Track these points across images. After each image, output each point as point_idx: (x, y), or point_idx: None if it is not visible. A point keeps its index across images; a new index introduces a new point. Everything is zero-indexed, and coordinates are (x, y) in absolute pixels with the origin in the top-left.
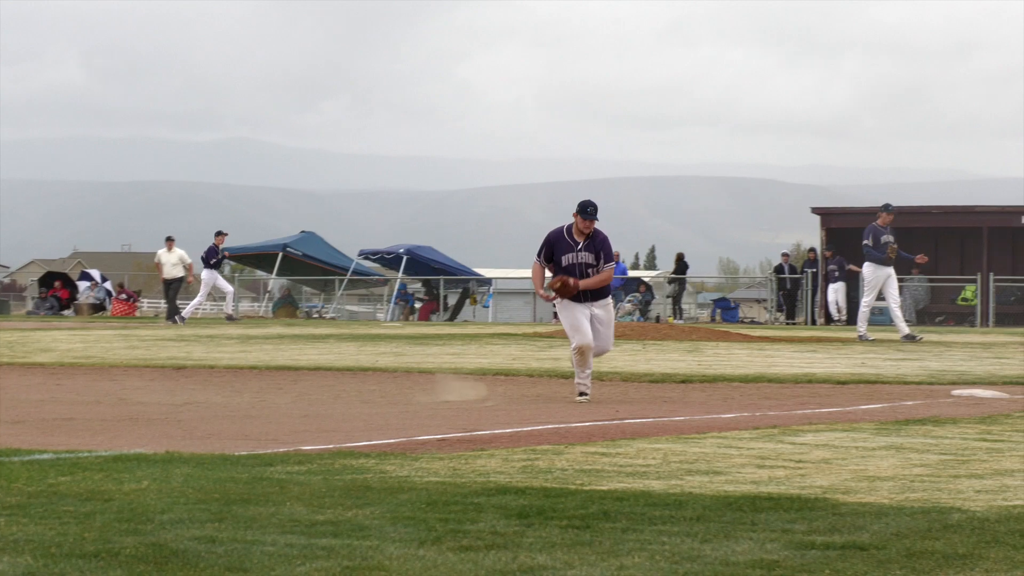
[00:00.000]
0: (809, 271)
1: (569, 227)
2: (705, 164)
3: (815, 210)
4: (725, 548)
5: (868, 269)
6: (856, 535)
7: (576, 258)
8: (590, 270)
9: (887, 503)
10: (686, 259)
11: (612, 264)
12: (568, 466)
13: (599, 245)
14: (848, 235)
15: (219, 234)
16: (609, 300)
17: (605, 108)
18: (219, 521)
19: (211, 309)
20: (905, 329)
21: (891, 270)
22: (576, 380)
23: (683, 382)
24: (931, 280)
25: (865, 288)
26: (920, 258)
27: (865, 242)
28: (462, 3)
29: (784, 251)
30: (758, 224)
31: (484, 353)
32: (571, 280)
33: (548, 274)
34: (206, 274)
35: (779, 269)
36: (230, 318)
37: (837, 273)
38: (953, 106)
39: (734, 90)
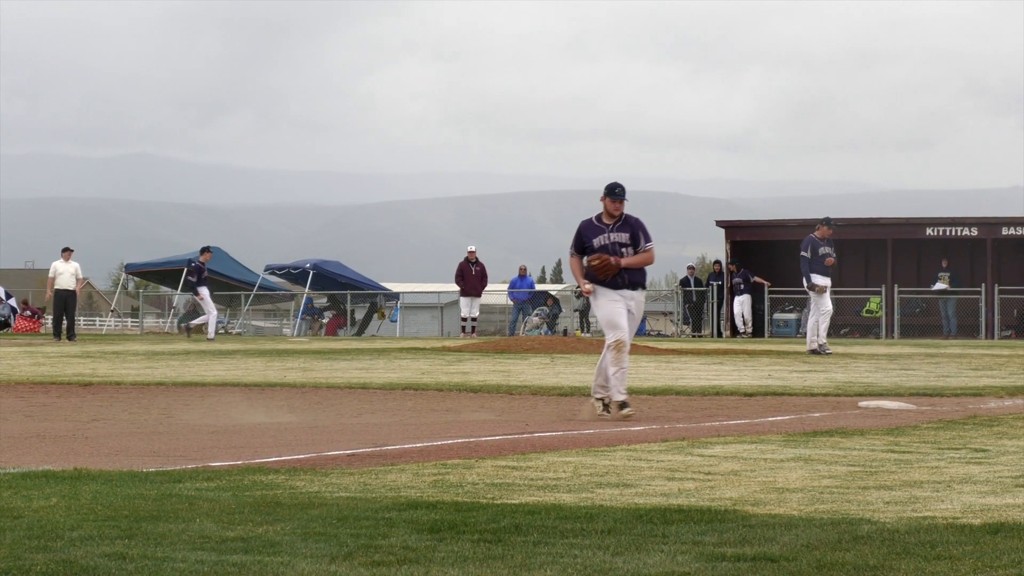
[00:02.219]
0: (715, 284)
1: (599, 214)
2: (608, 178)
3: (719, 223)
4: (636, 561)
5: (815, 280)
6: (766, 547)
7: (608, 239)
8: (625, 250)
9: (797, 514)
10: None
11: (652, 244)
12: (479, 480)
13: (634, 224)
14: (752, 248)
15: (205, 251)
16: (643, 293)
17: (509, 122)
18: (129, 538)
19: (115, 326)
20: (814, 344)
21: (829, 282)
22: (597, 385)
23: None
24: (836, 292)
25: (812, 303)
26: (827, 260)
27: (803, 254)
28: (362, 18)
29: (689, 264)
30: (663, 237)
31: (392, 368)
32: (612, 258)
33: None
34: (203, 292)
35: (685, 282)
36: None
37: (742, 286)
38: (854, 119)
39: (637, 104)
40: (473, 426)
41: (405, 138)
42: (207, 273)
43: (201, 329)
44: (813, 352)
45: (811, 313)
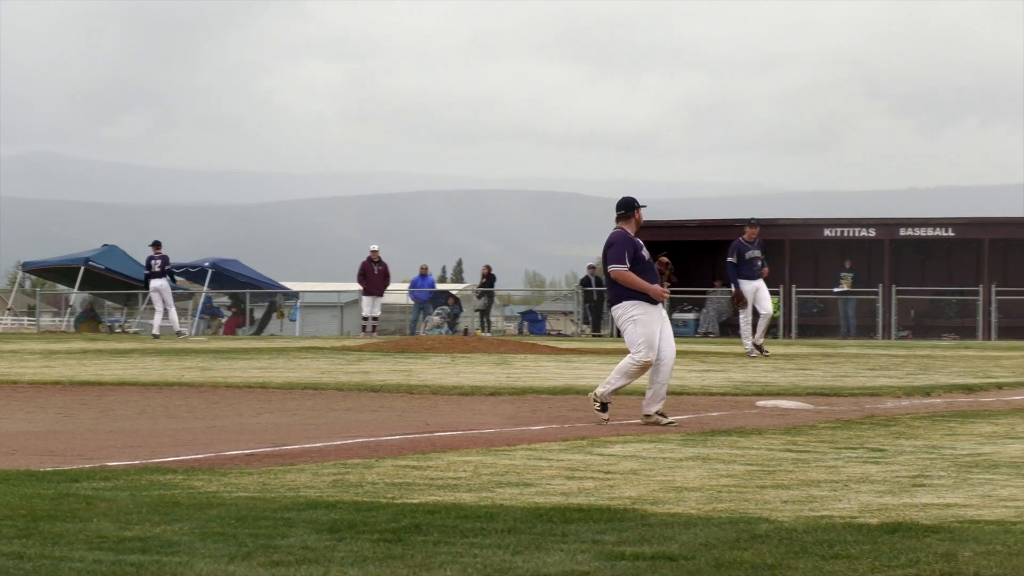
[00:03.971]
0: None
1: (626, 231)
2: (511, 178)
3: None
4: (536, 560)
5: (743, 288)
6: (665, 545)
7: (753, 252)
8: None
9: (695, 513)
10: (493, 272)
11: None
12: (379, 480)
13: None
14: (652, 249)
15: (158, 244)
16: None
17: (410, 122)
18: (26, 537)
19: (12, 324)
20: (749, 345)
21: (760, 283)
22: (604, 391)
23: (492, 394)
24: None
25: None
26: (764, 272)
27: (729, 259)
28: (261, 17)
29: (590, 264)
30: (564, 237)
31: (292, 367)
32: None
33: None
34: (160, 283)
35: (585, 282)
36: (179, 334)
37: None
38: (754, 120)
39: (540, 104)
40: (373, 426)
41: (306, 138)
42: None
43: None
44: (753, 355)
45: (743, 315)
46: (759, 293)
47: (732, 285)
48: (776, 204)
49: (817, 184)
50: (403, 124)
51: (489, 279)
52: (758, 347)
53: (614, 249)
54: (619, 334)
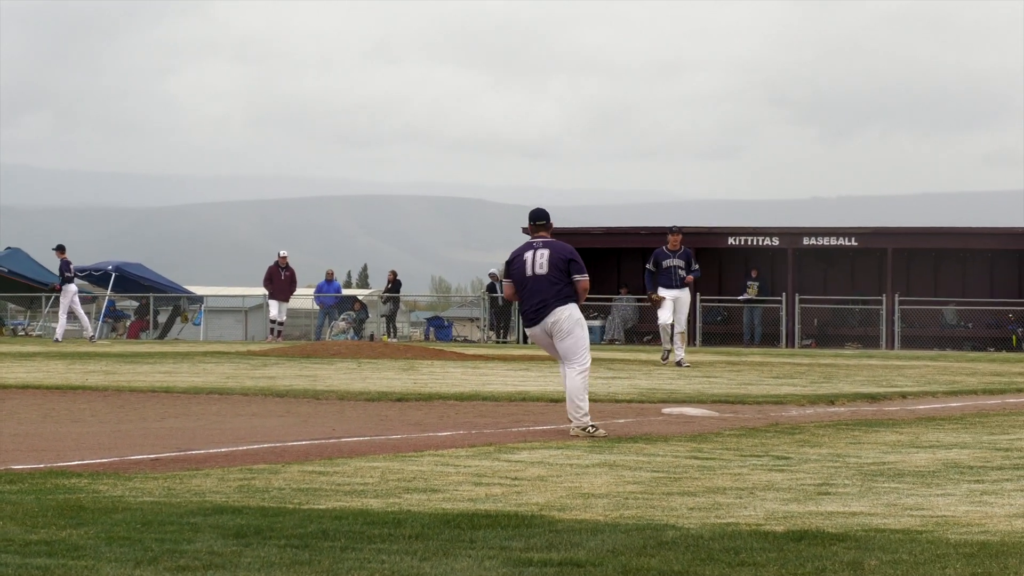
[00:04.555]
0: None
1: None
2: (415, 182)
3: (524, 231)
4: (444, 566)
5: (662, 292)
6: (573, 552)
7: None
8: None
9: (602, 520)
10: (399, 278)
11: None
12: (285, 485)
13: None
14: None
15: (62, 248)
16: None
17: (313, 126)
18: None
19: None
20: (681, 354)
21: (680, 292)
22: (584, 420)
23: (399, 400)
24: (639, 300)
25: (660, 312)
26: (687, 279)
27: (647, 266)
28: (163, 18)
29: (493, 270)
30: (468, 243)
31: (197, 372)
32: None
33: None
34: (73, 287)
35: (491, 288)
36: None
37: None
38: (657, 128)
39: (442, 109)
40: (279, 431)
41: (207, 140)
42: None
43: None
44: (685, 365)
45: (662, 315)
46: (677, 304)
47: (649, 291)
48: (681, 211)
49: (721, 192)
50: (307, 127)
51: (395, 284)
52: (678, 363)
53: (580, 260)
54: (526, 340)
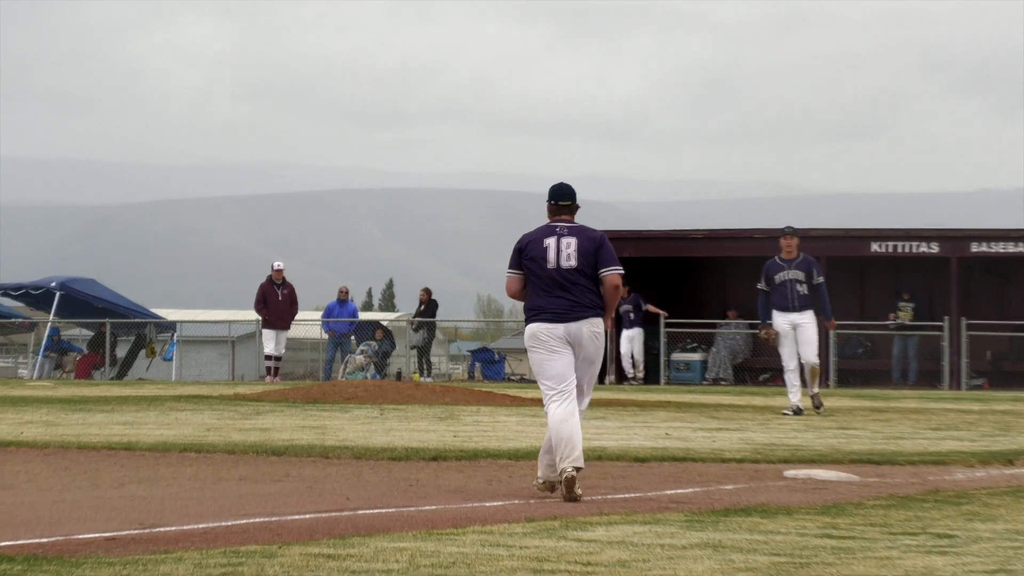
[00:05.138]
0: None
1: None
2: (452, 174)
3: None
4: None
5: (776, 322)
6: None
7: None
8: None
9: None
10: (434, 297)
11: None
12: (282, 573)
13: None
14: (644, 267)
15: None
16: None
17: (322, 99)
18: None
19: None
20: (796, 399)
21: (801, 317)
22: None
23: (434, 459)
24: (752, 327)
25: (782, 351)
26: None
27: (758, 285)
28: None
29: None
30: None
31: (167, 422)
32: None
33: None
34: None
35: None
36: None
37: (632, 316)
38: (773, 101)
39: (488, 79)
40: (276, 501)
41: (184, 118)
42: None
43: None
44: (797, 411)
45: (785, 352)
46: (798, 332)
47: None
48: (803, 209)
49: (859, 184)
50: (312, 101)
51: (430, 306)
52: (816, 406)
53: (612, 248)
54: (601, 379)
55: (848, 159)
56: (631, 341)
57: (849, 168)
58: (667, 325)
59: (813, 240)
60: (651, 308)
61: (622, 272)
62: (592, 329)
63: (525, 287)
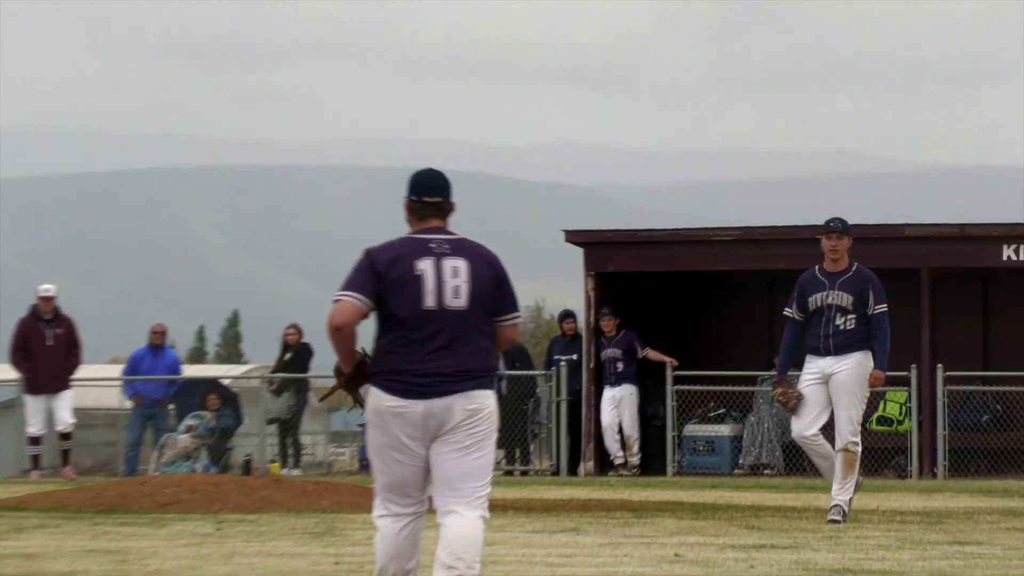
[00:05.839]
0: (561, 362)
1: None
2: (338, 142)
3: (570, 235)
4: None
5: (806, 371)
6: None
7: (825, 297)
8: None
9: None
10: (308, 339)
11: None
12: None
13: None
14: (637, 286)
15: None
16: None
17: (130, 40)
18: None
19: None
20: (844, 496)
21: (837, 363)
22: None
23: None
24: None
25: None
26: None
27: (786, 312)
28: None
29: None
30: None
31: None
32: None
33: None
34: None
35: (550, 356)
36: None
37: (621, 366)
38: (813, 37)
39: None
40: None
41: None
42: None
43: None
44: (834, 520)
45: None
46: (833, 384)
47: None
48: (896, 194)
49: (976, 155)
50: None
51: (300, 353)
52: (832, 508)
53: (510, 281)
54: (573, 468)
55: (960, 108)
56: (619, 406)
57: (945, 124)
58: (678, 380)
59: (917, 242)
60: (652, 354)
61: (520, 318)
62: (479, 405)
63: (358, 320)
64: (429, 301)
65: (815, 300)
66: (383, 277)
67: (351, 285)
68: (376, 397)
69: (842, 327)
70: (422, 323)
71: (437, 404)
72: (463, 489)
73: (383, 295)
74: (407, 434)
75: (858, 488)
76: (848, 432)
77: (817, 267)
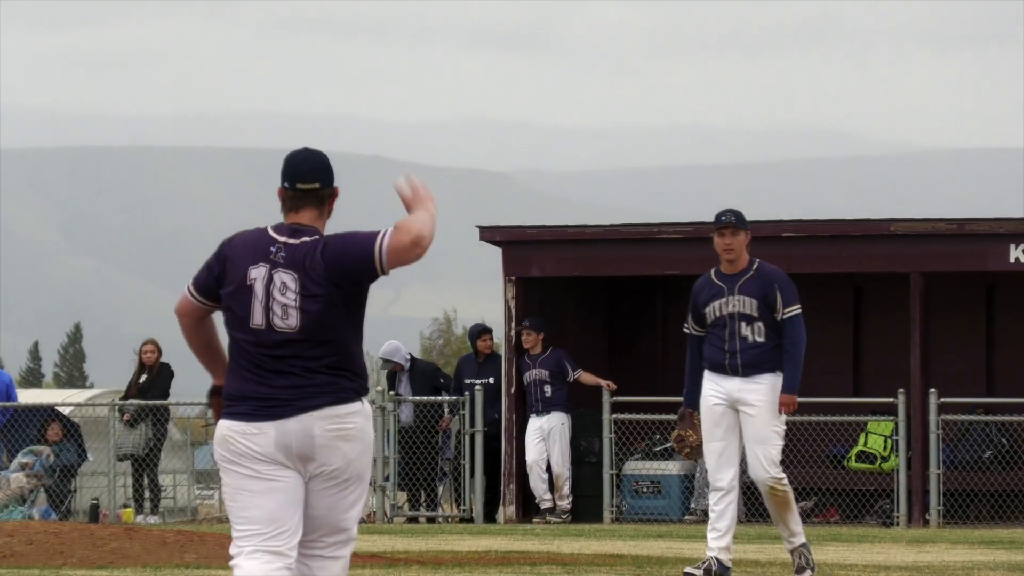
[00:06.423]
0: (474, 387)
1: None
2: (187, 119)
3: (484, 232)
4: None
5: (706, 396)
6: None
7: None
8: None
9: None
10: (167, 358)
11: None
12: None
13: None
14: (585, 295)
15: None
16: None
17: None
18: None
19: None
20: (717, 549)
21: (749, 386)
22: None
23: None
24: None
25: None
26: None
27: (685, 327)
28: None
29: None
30: None
31: None
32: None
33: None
34: None
35: (392, 377)
36: None
37: (549, 391)
38: None
39: None
40: None
41: None
42: None
43: None
44: (712, 571)
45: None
46: (744, 416)
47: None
48: (880, 175)
49: (983, 137)
50: None
51: (160, 376)
52: (795, 560)
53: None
54: (489, 516)
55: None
56: (546, 438)
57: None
58: (616, 407)
59: (885, 241)
60: (586, 377)
61: (422, 226)
62: (334, 426)
63: (200, 316)
64: (257, 319)
65: (713, 309)
66: (221, 279)
67: (195, 279)
68: (222, 426)
69: (750, 340)
70: (247, 340)
71: (292, 424)
72: (336, 532)
73: (223, 298)
74: (259, 460)
75: (806, 516)
76: (766, 474)
77: (713, 270)
